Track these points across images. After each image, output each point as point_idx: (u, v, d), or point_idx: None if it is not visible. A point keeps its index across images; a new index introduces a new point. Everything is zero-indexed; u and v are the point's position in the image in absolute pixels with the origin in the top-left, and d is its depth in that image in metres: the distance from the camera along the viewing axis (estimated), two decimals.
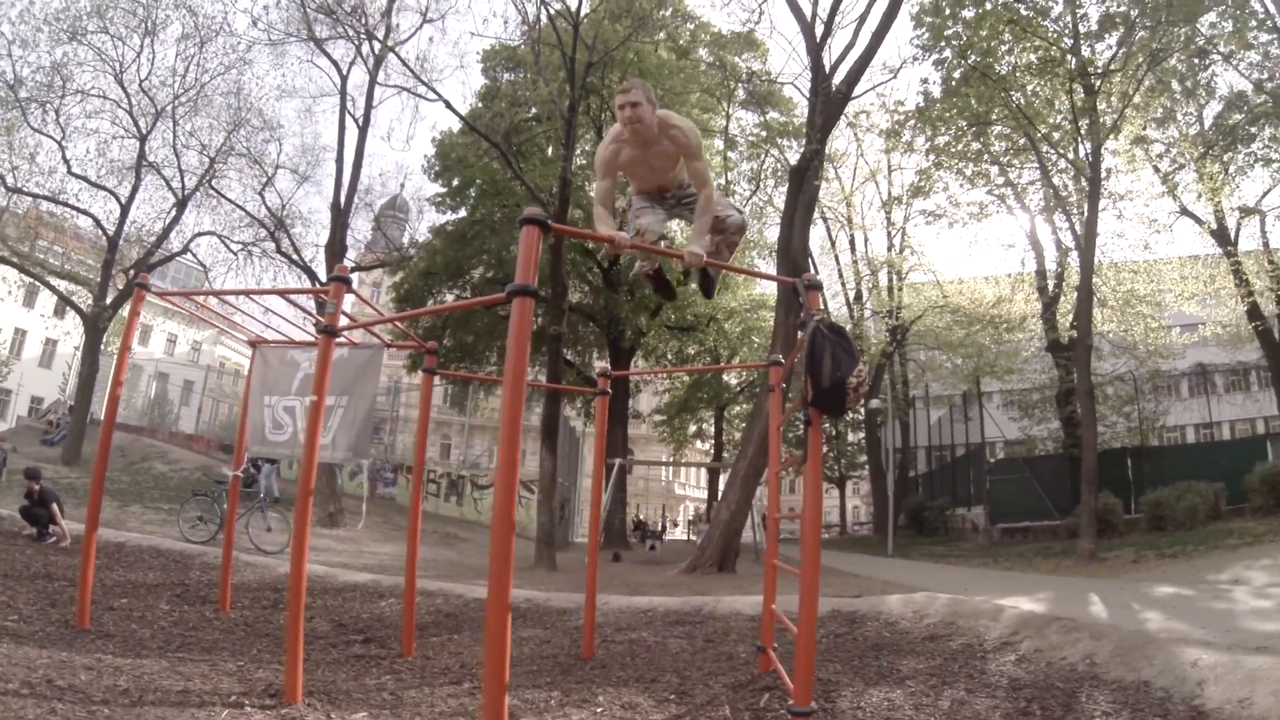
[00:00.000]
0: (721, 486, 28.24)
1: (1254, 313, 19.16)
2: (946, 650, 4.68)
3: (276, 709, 3.29)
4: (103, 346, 18.20)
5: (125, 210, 17.92)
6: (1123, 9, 13.37)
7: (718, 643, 5.25)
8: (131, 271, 18.86)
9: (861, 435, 32.05)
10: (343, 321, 4.36)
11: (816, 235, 28.17)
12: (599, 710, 3.56)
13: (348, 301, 4.49)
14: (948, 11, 13.83)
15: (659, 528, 28.73)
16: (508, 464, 2.44)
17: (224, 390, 30.61)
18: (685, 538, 37.12)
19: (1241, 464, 15.54)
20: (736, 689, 3.96)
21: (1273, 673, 3.28)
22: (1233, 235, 19.63)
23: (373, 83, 16.74)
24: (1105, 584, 8.92)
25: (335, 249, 16.38)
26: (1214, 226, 19.54)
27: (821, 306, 3.27)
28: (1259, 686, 3.19)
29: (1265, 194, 19.03)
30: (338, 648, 4.84)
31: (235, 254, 19.27)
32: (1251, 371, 25.19)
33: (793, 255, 12.61)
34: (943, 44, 14.40)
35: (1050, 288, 21.26)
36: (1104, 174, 15.23)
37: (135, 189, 17.97)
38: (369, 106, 16.97)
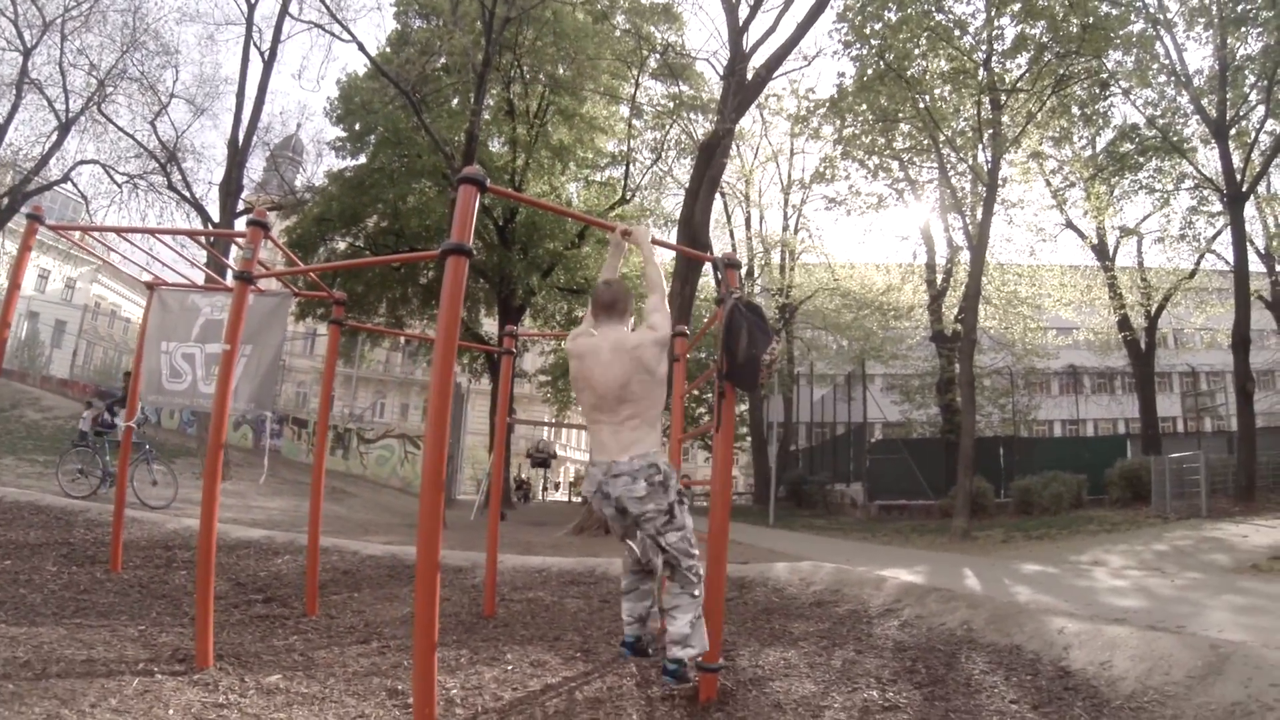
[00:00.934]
0: None
1: (1124, 323, 20.91)
2: (834, 615, 4.95)
3: (188, 675, 3.20)
4: None
5: (2, 131, 16.46)
6: (1036, 33, 14.10)
7: (613, 603, 5.36)
8: (5, 199, 17.35)
9: (744, 408, 32.96)
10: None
11: (714, 210, 28.79)
12: (509, 668, 3.64)
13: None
14: (871, 11, 14.23)
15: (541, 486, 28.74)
16: (438, 423, 2.46)
17: (99, 332, 28.54)
18: (566, 499, 37.43)
19: (1104, 459, 16.91)
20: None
21: (1129, 640, 3.65)
22: (1111, 251, 21.31)
23: (283, 14, 15.86)
24: (978, 560, 9.54)
25: (230, 188, 15.51)
26: (1095, 242, 21.16)
27: (739, 284, 3.39)
28: (1118, 651, 3.56)
29: (1145, 218, 20.78)
30: (239, 608, 4.71)
31: (120, 186, 18.12)
32: (1118, 376, 27.41)
33: (694, 228, 12.77)
34: (860, 43, 14.81)
35: (939, 281, 22.29)
36: (1000, 182, 16.13)
37: (15, 108, 16.63)
38: (276, 40, 16.09)
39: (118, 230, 5.03)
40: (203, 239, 10.77)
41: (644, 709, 3.12)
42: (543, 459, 18.79)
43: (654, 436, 2.93)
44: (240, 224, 15.24)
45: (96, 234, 6.82)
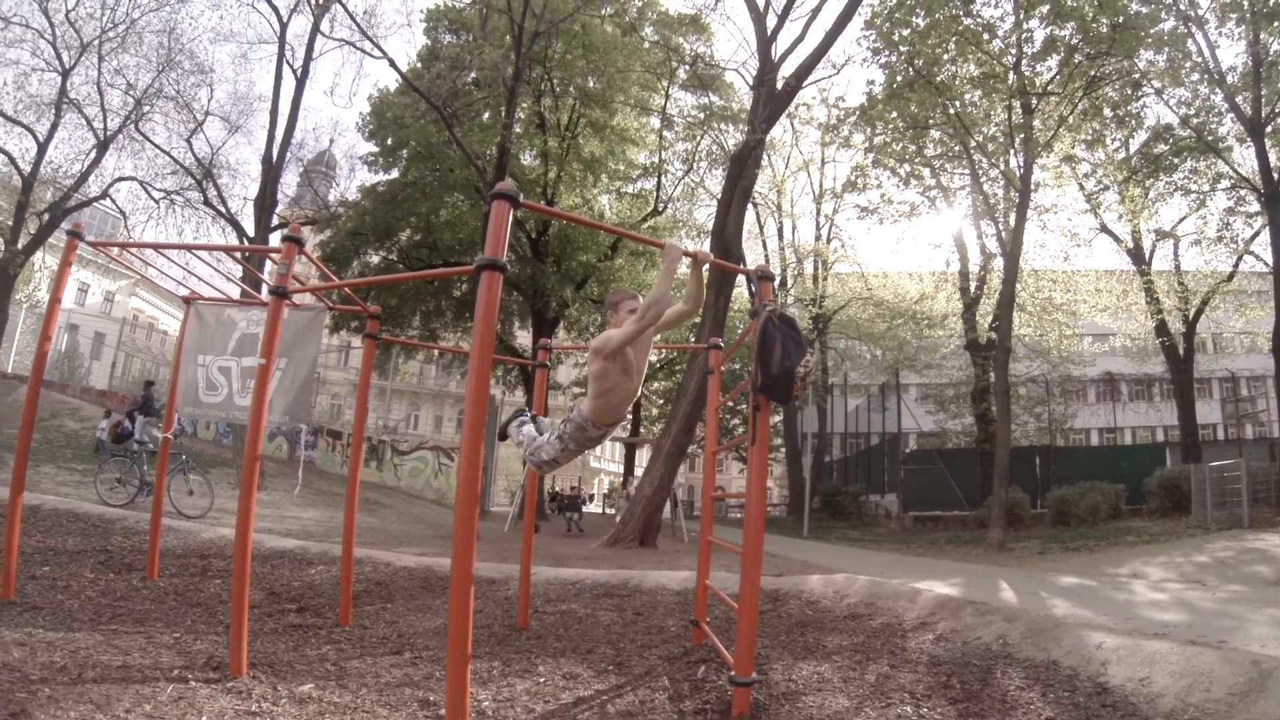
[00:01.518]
0: (637, 462, 28.56)
1: (1161, 329, 20.45)
2: (868, 628, 4.87)
3: (222, 682, 3.23)
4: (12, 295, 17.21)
5: (43, 149, 17.03)
6: (1065, 34, 13.92)
7: (647, 616, 5.36)
8: (46, 216, 17.84)
9: (779, 419, 32.75)
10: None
11: (746, 220, 28.71)
12: (541, 680, 3.63)
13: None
14: (899, 17, 14.15)
15: (580, 499, 28.74)
16: (473, 437, 2.47)
17: (137, 345, 29.19)
18: (600, 511, 37.42)
19: (1141, 468, 16.54)
20: (671, 661, 4.09)
21: (1169, 656, 3.52)
22: (1147, 255, 20.89)
23: (314, 32, 16.10)
24: (1014, 572, 9.38)
25: (265, 203, 15.80)
26: (1130, 246, 20.75)
27: (773, 297, 3.38)
28: (1157, 667, 3.44)
29: (1181, 220, 20.35)
30: (273, 617, 4.76)
31: (157, 202, 18.51)
32: (1155, 383, 26.88)
33: (727, 239, 12.76)
34: (889, 50, 14.74)
35: (972, 289, 22.01)
36: (1033, 187, 15.92)
37: (54, 127, 17.08)
38: (309, 57, 16.36)
39: (154, 246, 5.15)
40: (237, 254, 11.06)
41: None
42: (569, 515, 18.95)
43: (588, 402, 3.43)
44: (275, 239, 15.55)
45: (134, 249, 6.98)
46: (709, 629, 4.25)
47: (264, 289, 5.74)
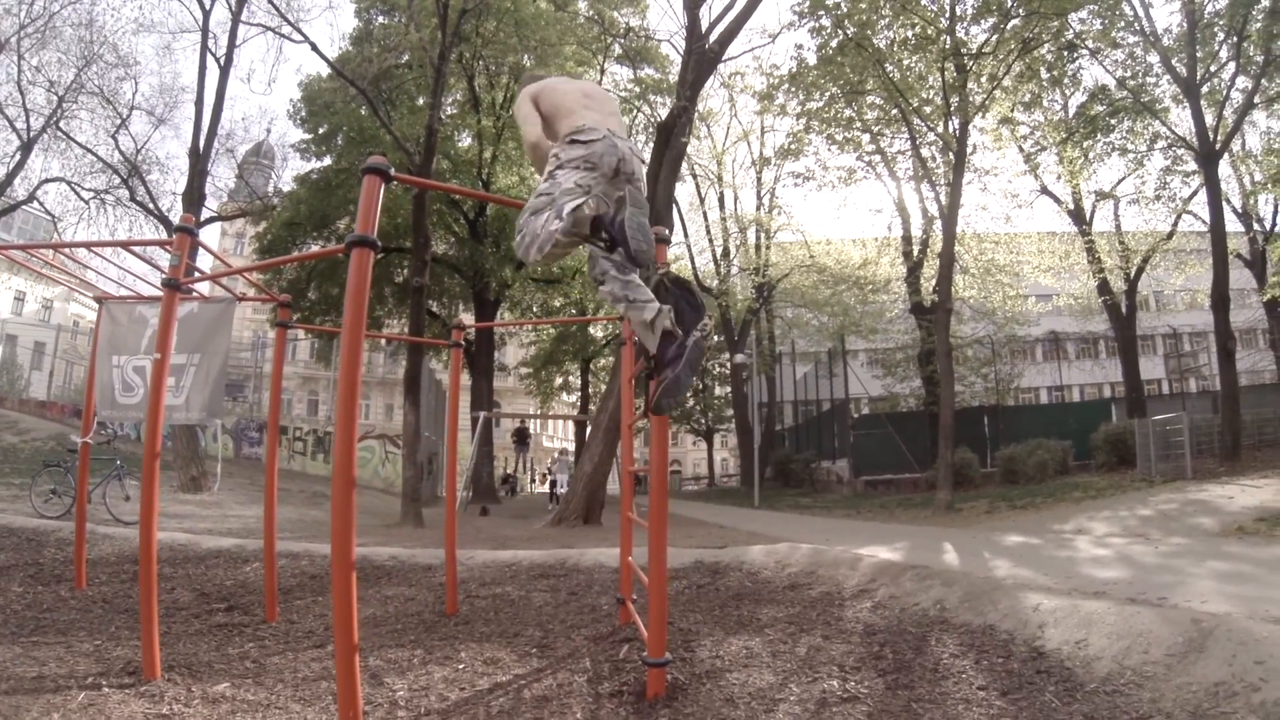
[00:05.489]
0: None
1: (1104, 287, 20.95)
2: (806, 599, 4.86)
3: (135, 687, 3.14)
4: None
5: None
6: None
7: (581, 595, 5.30)
8: None
9: (729, 389, 32.78)
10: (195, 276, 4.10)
11: (687, 192, 28.63)
12: (460, 667, 3.55)
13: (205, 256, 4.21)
14: None
15: (529, 479, 28.72)
16: (346, 419, 2.37)
17: (79, 352, 28.27)
18: (549, 491, 37.18)
19: (1089, 424, 16.97)
20: (597, 641, 4.02)
21: (1107, 616, 3.49)
22: (1088, 216, 21.34)
23: (236, 20, 15.50)
24: (960, 533, 9.52)
25: (193, 197, 15.28)
26: (1071, 207, 21.18)
27: (669, 260, 3.28)
28: (1094, 629, 3.41)
29: (1120, 181, 20.77)
30: (200, 618, 4.62)
31: (86, 203, 17.91)
32: (1100, 340, 27.53)
33: (656, 209, 12.63)
34: (821, 12, 14.66)
35: (915, 253, 22.20)
36: (970, 149, 16.05)
37: None
38: (231, 45, 15.76)
39: (55, 246, 4.94)
40: (135, 249, 10.64)
41: (590, 707, 3.03)
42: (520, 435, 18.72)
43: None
44: (204, 234, 15.02)
45: (52, 251, 6.70)
46: (633, 608, 4.17)
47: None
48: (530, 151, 3.07)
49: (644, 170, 2.80)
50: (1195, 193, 18.54)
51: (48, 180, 17.97)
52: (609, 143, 2.71)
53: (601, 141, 2.71)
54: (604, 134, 2.74)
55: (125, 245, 4.60)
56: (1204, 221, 17.80)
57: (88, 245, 5.09)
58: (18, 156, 17.05)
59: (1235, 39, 14.79)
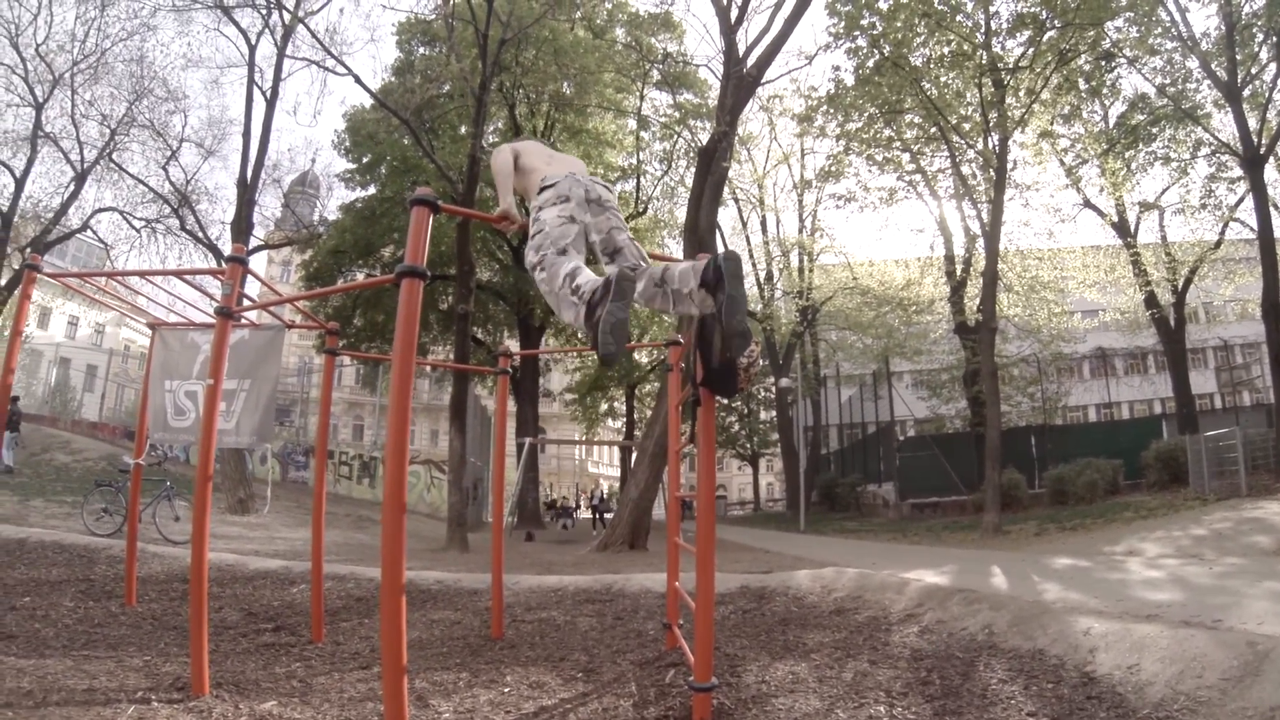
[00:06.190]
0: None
1: (1151, 301, 20.41)
2: (852, 623, 4.79)
3: (184, 702, 3.20)
4: None
5: (20, 184, 16.94)
6: (1033, 9, 13.85)
7: (627, 620, 5.28)
8: (28, 250, 17.81)
9: (774, 413, 32.54)
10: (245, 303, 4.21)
11: (729, 216, 28.52)
12: (506, 690, 3.55)
13: (253, 283, 4.33)
14: (862, 2, 14.06)
15: (574, 505, 28.97)
16: (397, 447, 2.41)
17: (129, 375, 29.12)
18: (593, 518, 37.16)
19: (1139, 442, 16.42)
20: (643, 666, 4.00)
21: (1159, 640, 3.39)
22: (1132, 228, 20.84)
23: (281, 55, 15.96)
24: (1008, 556, 9.28)
25: (240, 227, 15.71)
26: (1115, 219, 20.70)
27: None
28: (1146, 653, 3.31)
29: (1164, 191, 20.31)
30: (247, 637, 4.70)
31: (138, 231, 18.49)
32: (1149, 355, 26.81)
33: (699, 235, 12.63)
34: (856, 33, 14.67)
35: (958, 272, 21.91)
36: (1010, 165, 15.84)
37: (31, 161, 17.02)
38: (277, 79, 16.27)
39: (110, 275, 5.10)
40: (187, 277, 10.95)
41: None
42: (562, 522, 18.67)
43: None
44: (253, 262, 15.43)
45: (102, 279, 6.93)
46: (679, 632, 4.15)
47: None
48: (501, 180, 3.38)
49: (611, 196, 3.15)
50: (1241, 199, 18.09)
51: (101, 210, 18.63)
52: (571, 179, 3.07)
53: (565, 180, 3.07)
54: (565, 174, 3.11)
55: (178, 274, 4.75)
56: (1251, 229, 17.30)
57: (142, 274, 5.27)
58: (72, 187, 17.71)
59: (1275, 39, 14.45)
